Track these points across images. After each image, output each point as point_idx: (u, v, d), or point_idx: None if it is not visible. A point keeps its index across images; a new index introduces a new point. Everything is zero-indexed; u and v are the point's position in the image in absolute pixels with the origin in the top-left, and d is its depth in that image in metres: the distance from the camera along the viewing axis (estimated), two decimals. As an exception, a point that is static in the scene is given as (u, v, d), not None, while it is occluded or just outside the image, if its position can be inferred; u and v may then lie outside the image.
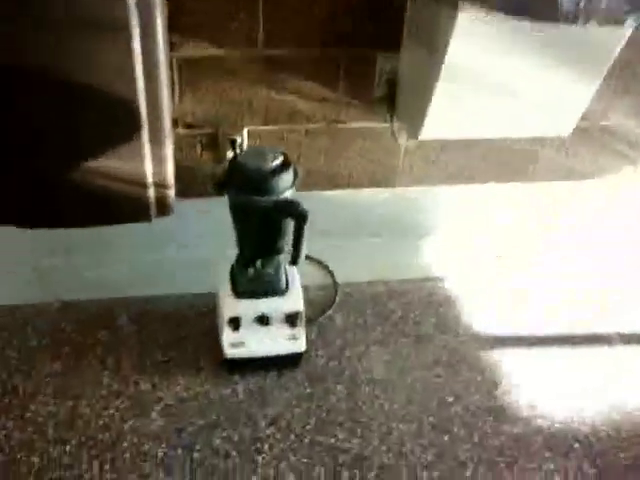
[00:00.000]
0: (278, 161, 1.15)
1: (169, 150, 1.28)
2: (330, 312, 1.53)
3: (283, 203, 1.15)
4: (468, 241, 1.77)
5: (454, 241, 1.75)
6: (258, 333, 1.30)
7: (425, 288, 1.63)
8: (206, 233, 1.61)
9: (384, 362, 1.41)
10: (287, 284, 1.31)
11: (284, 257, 1.26)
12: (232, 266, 1.35)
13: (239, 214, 1.20)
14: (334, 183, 1.62)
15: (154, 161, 1.28)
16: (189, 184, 1.53)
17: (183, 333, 1.44)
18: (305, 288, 1.33)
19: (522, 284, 1.67)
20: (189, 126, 1.46)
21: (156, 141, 1.26)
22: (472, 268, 1.71)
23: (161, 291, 1.54)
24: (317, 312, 1.52)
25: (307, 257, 1.23)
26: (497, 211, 1.74)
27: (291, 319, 1.30)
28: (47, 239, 1.54)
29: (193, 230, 1.61)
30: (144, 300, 1.52)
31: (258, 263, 1.26)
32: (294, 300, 1.30)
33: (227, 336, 1.29)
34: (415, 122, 1.39)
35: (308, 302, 1.36)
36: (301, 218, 1.15)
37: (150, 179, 1.31)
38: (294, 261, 1.23)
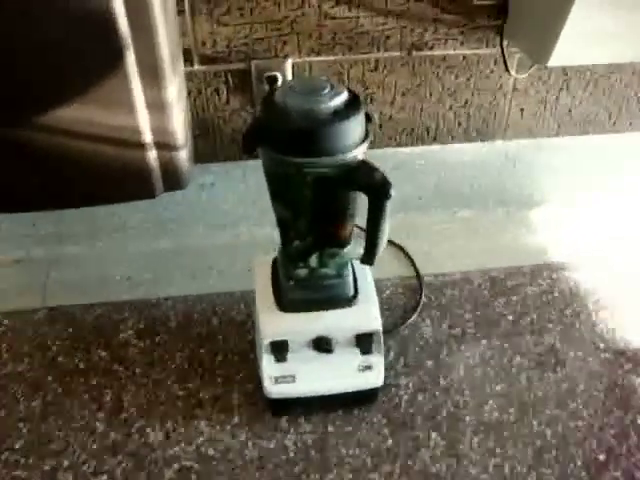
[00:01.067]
0: (339, 99, 0.70)
1: (172, 94, 0.85)
2: (414, 318, 1.09)
3: (351, 169, 0.71)
4: (599, 214, 1.29)
5: (579, 214, 1.29)
6: (315, 363, 0.87)
7: (542, 280, 1.17)
8: (240, 213, 1.19)
9: (497, 395, 0.97)
10: (356, 290, 0.87)
11: (351, 250, 0.82)
12: (274, 263, 0.92)
13: (280, 186, 0.76)
14: (413, 136, 1.17)
15: (151, 110, 0.85)
16: (212, 143, 1.10)
17: (209, 354, 1.03)
18: (375, 284, 0.90)
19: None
20: (209, 60, 1.02)
21: (150, 80, 0.83)
22: (607, 251, 1.24)
23: (178, 291, 1.13)
24: (395, 319, 1.08)
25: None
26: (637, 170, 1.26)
27: (363, 342, 0.87)
28: (28, 224, 1.15)
29: (220, 209, 1.19)
30: (155, 305, 1.11)
31: (313, 260, 0.82)
32: (367, 314, 0.87)
33: (269, 368, 0.87)
34: (543, 39, 0.92)
35: (382, 306, 0.93)
36: (382, 193, 0.70)
37: (148, 137, 0.88)
38: (369, 259, 0.79)
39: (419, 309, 1.10)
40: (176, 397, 0.97)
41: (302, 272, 0.83)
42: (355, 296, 0.87)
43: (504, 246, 1.25)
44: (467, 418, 0.94)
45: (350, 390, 0.89)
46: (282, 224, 0.80)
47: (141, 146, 0.88)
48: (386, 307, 1.09)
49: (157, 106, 0.84)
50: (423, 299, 1.12)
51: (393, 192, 0.70)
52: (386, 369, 0.91)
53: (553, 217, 1.30)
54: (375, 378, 0.89)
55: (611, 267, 1.20)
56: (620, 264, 1.20)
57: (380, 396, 0.95)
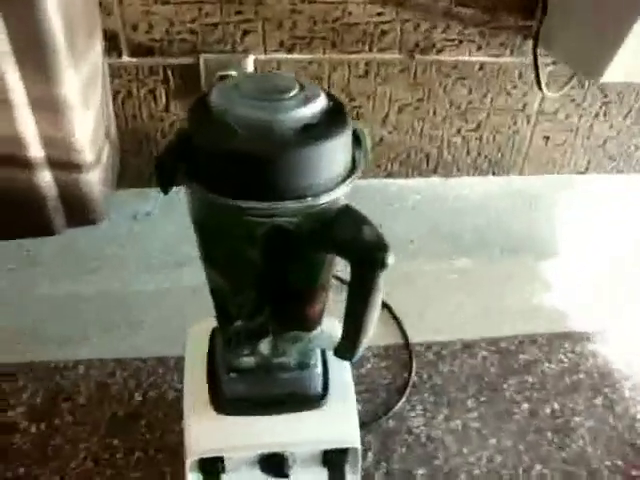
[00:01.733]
0: (313, 108, 0.44)
1: (71, 90, 0.58)
2: (401, 405, 0.82)
3: (328, 220, 0.45)
4: (632, 272, 1.06)
5: (607, 271, 1.05)
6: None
7: (563, 355, 0.92)
8: (182, 251, 0.93)
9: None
10: (325, 386, 0.61)
11: (321, 334, 0.56)
12: (212, 339, 0.65)
13: (214, 243, 0.50)
14: (408, 164, 0.92)
15: (38, 112, 0.58)
16: (147, 161, 0.83)
17: (125, 448, 0.75)
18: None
19: None
20: (143, 50, 0.75)
21: (33, 68, 0.55)
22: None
23: (92, 353, 0.86)
24: (375, 406, 0.82)
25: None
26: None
27: (333, 461, 0.61)
28: None
29: (156, 245, 0.92)
30: (59, 371, 0.84)
31: (263, 345, 0.56)
32: (341, 422, 0.60)
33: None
34: (599, 48, 0.68)
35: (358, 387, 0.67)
36: (375, 261, 0.44)
37: (36, 151, 0.60)
38: (348, 351, 0.53)
39: (407, 392, 0.84)
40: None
41: (247, 361, 0.57)
42: (324, 395, 0.60)
43: (514, 307, 0.99)
44: None
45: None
46: (217, 297, 0.53)
47: (25, 164, 0.61)
48: (364, 389, 0.83)
49: (46, 107, 0.57)
50: (413, 377, 0.86)
51: (391, 259, 0.44)
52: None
53: (574, 272, 1.06)
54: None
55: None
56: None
57: (354, 523, 0.68)
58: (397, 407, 0.82)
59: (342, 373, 0.63)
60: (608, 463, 0.78)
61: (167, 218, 0.91)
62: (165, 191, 0.46)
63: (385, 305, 0.95)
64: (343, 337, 0.52)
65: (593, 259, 1.07)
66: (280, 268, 0.48)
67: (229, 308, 0.52)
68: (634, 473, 0.77)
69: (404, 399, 0.83)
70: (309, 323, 0.54)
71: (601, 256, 1.07)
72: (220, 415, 0.59)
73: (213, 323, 0.65)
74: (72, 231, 0.90)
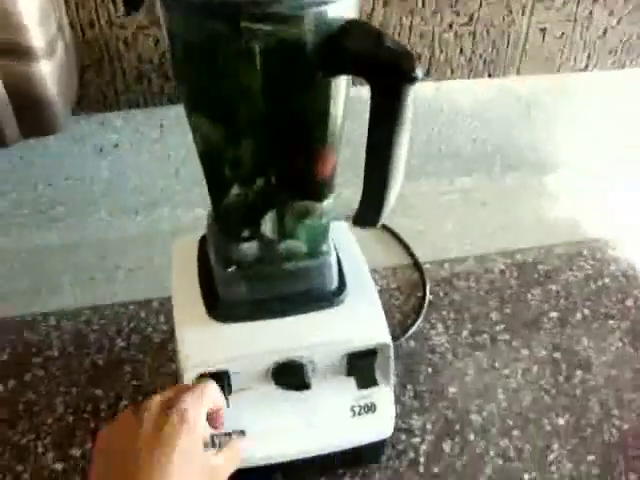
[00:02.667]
0: None
1: None
2: (420, 323, 0.74)
3: (338, 30, 0.36)
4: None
5: (615, 179, 0.98)
6: (278, 407, 0.51)
7: (584, 262, 0.85)
8: (157, 187, 0.83)
9: (562, 433, 0.63)
10: (342, 280, 0.52)
11: (333, 207, 0.47)
12: (202, 244, 0.56)
13: (201, 74, 0.40)
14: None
15: None
16: (110, 80, 0.74)
17: (107, 400, 0.65)
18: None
19: None
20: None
21: None
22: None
23: (66, 303, 0.76)
24: (391, 327, 0.73)
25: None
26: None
27: (360, 367, 0.51)
28: None
29: (127, 183, 0.82)
30: (30, 325, 0.73)
31: (266, 224, 0.46)
32: (365, 319, 0.51)
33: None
34: None
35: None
36: (400, 71, 0.35)
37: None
38: (374, 215, 0.44)
39: (424, 310, 0.75)
40: (51, 475, 0.59)
41: (249, 248, 0.47)
42: (341, 290, 0.51)
43: (523, 222, 0.91)
44: (525, 476, 0.59)
45: (339, 449, 0.53)
46: (209, 159, 0.44)
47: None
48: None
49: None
50: (428, 295, 0.77)
51: (420, 71, 0.35)
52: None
53: (581, 183, 0.98)
54: (381, 425, 0.53)
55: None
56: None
57: (385, 449, 0.59)
58: (416, 326, 0.73)
59: (357, 263, 0.54)
60: (654, 362, 0.70)
61: (138, 149, 0.81)
62: (131, 11, 0.37)
63: (384, 226, 0.86)
64: (364, 195, 0.43)
65: (599, 167, 0.99)
66: (283, 105, 0.39)
67: (223, 169, 0.43)
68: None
69: (422, 318, 0.74)
70: (320, 187, 0.45)
71: (606, 163, 1.00)
72: (218, 323, 0.50)
73: (202, 232, 0.55)
74: (30, 175, 0.80)
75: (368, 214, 0.43)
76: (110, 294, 0.77)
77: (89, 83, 0.74)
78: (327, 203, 0.46)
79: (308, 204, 0.45)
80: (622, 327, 0.75)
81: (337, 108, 0.41)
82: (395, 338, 0.70)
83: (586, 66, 0.92)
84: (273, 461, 0.50)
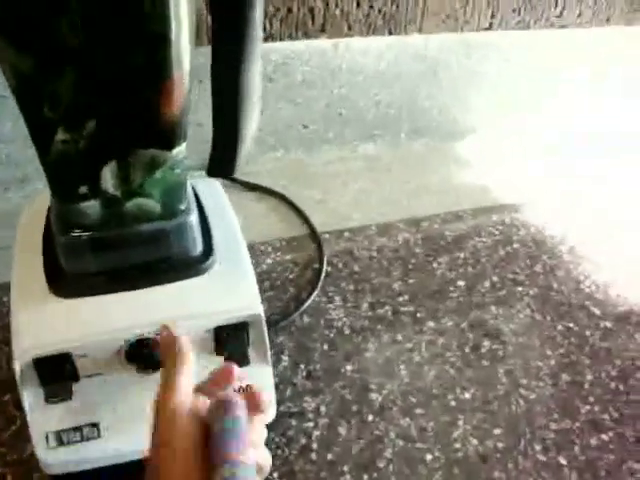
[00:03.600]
0: None
1: None
2: (315, 296, 0.67)
3: None
4: (546, 141, 0.96)
5: (521, 143, 0.95)
6: (134, 393, 0.43)
7: (492, 228, 0.81)
8: None
9: (469, 407, 0.58)
10: (209, 244, 0.45)
11: (185, 156, 0.40)
12: (48, 215, 0.47)
13: None
14: (289, 23, 0.77)
15: None
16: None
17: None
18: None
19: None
20: None
21: None
22: (562, 185, 0.89)
23: None
24: (285, 302, 0.67)
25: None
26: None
27: (230, 342, 0.44)
28: None
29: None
30: None
31: (106, 177, 0.38)
32: (235, 287, 0.44)
33: (38, 414, 0.42)
34: None
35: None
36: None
37: None
38: (228, 163, 0.37)
39: (320, 283, 0.69)
40: None
41: (88, 208, 0.39)
42: (207, 256, 0.44)
43: (430, 188, 0.87)
44: (428, 456, 0.54)
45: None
46: (23, 96, 0.36)
47: None
48: (268, 286, 0.67)
49: None
50: (325, 266, 0.71)
51: None
52: (278, 386, 0.50)
53: (489, 148, 0.95)
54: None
55: (573, 205, 0.86)
56: (581, 200, 0.87)
57: (271, 436, 0.53)
58: (311, 300, 0.66)
59: (229, 226, 0.47)
60: (561, 328, 0.67)
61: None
62: None
63: (281, 196, 0.79)
64: (216, 140, 0.36)
65: (509, 132, 0.96)
66: (104, 23, 0.31)
67: (41, 109, 0.35)
68: (587, 333, 0.66)
69: (317, 291, 0.68)
70: (167, 131, 0.37)
71: (517, 128, 0.96)
72: (60, 299, 0.42)
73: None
74: None
75: (222, 161, 0.36)
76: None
77: None
78: (178, 151, 0.38)
79: (155, 152, 0.38)
80: (531, 293, 0.71)
81: (180, 27, 0.33)
82: (288, 315, 0.64)
83: (490, 24, 0.87)
84: (130, 458, 0.43)
